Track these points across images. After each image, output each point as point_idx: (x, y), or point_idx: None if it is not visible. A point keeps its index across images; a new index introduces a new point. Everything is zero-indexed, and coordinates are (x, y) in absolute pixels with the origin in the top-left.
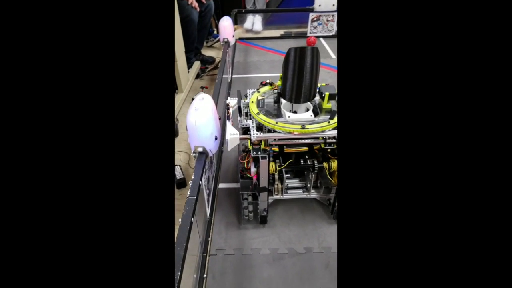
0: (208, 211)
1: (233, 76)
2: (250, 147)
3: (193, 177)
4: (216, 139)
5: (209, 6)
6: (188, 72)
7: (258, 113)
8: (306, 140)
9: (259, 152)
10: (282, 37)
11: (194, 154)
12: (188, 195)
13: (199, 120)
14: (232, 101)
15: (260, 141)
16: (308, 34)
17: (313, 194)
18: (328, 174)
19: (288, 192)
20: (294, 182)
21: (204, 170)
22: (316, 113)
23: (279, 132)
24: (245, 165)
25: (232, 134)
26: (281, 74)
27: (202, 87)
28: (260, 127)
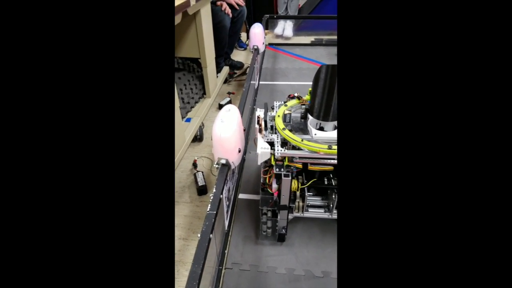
0: (226, 223)
1: (260, 82)
2: (273, 163)
3: (214, 190)
4: (239, 151)
5: (242, 12)
6: (217, 76)
7: (283, 129)
8: (332, 161)
9: (282, 170)
10: (312, 44)
11: (216, 166)
12: (208, 209)
13: (224, 133)
14: (262, 114)
15: (284, 157)
16: None
17: (335, 215)
18: None
19: (309, 210)
20: (316, 200)
21: (226, 182)
22: None
23: (304, 150)
24: (267, 180)
25: (264, 148)
26: (309, 89)
27: (229, 93)
28: (284, 143)
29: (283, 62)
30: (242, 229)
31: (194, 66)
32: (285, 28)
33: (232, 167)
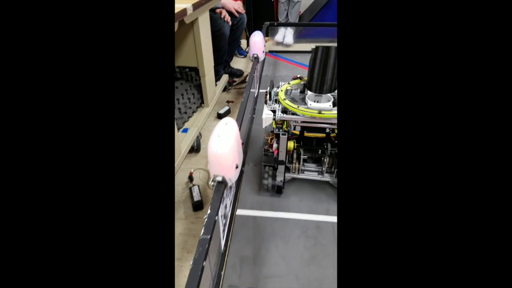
0: (222, 243)
1: (260, 90)
2: (274, 126)
3: (209, 211)
4: (237, 167)
5: (242, 20)
6: (216, 85)
7: (284, 99)
8: (322, 125)
9: (281, 130)
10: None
11: (212, 183)
12: (202, 233)
13: (220, 149)
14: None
15: (283, 121)
16: None
17: (327, 177)
18: None
19: (305, 173)
20: (312, 167)
21: (222, 200)
22: (335, 105)
23: (299, 116)
24: (269, 141)
25: (267, 114)
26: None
27: (228, 101)
28: (285, 111)
29: (284, 70)
30: (240, 248)
31: (193, 74)
32: (285, 35)
33: (229, 184)
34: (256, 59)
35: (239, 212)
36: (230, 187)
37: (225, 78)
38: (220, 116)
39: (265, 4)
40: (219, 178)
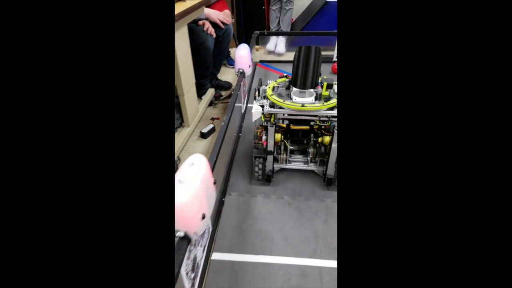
0: None
1: (249, 105)
2: (263, 119)
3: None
4: (203, 217)
5: (227, 31)
6: (201, 99)
7: (271, 95)
8: (305, 117)
9: (268, 123)
10: None
11: (176, 237)
12: None
13: (181, 197)
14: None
15: (271, 115)
16: (335, 59)
17: (312, 166)
18: (324, 150)
19: (292, 163)
20: (298, 158)
21: (184, 258)
22: (317, 99)
23: (285, 109)
24: (259, 133)
25: (257, 109)
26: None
27: (213, 119)
28: (272, 106)
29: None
30: None
31: None
32: (277, 44)
33: (194, 238)
34: (242, 73)
35: (216, 256)
36: (206, 231)
37: (210, 92)
38: (203, 136)
39: (256, 11)
40: (181, 234)
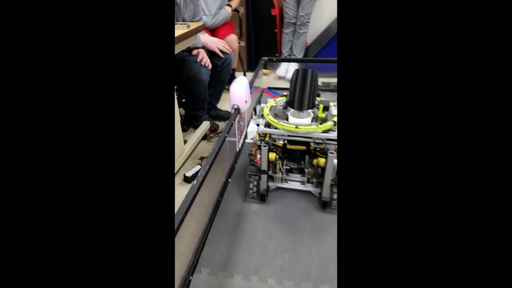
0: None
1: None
2: (257, 138)
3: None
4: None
5: (228, 60)
6: (195, 131)
7: (268, 114)
8: (300, 138)
9: (262, 142)
10: (318, 89)
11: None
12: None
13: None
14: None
15: (265, 134)
16: None
17: (309, 187)
18: (320, 171)
19: (289, 182)
20: (296, 177)
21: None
22: (313, 120)
23: (279, 130)
24: (253, 152)
25: (253, 127)
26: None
27: (202, 158)
28: (268, 125)
29: None
30: None
31: None
32: (288, 69)
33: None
34: (236, 110)
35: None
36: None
37: (205, 125)
38: (187, 180)
39: (268, 35)
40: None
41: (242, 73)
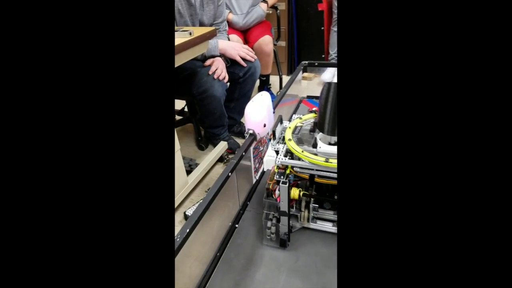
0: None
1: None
2: (276, 170)
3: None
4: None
5: (251, 70)
6: (210, 151)
7: (289, 139)
8: (330, 174)
9: (281, 177)
10: None
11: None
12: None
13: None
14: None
15: (286, 166)
16: None
17: None
18: None
19: (318, 222)
20: (329, 214)
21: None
22: None
23: (304, 162)
24: (271, 186)
25: (270, 156)
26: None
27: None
28: (290, 153)
29: None
30: None
31: None
32: (335, 74)
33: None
34: (251, 135)
35: None
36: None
37: (222, 146)
38: (187, 218)
39: (313, 33)
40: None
41: (278, 77)
